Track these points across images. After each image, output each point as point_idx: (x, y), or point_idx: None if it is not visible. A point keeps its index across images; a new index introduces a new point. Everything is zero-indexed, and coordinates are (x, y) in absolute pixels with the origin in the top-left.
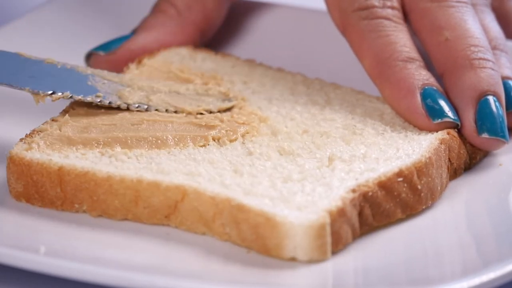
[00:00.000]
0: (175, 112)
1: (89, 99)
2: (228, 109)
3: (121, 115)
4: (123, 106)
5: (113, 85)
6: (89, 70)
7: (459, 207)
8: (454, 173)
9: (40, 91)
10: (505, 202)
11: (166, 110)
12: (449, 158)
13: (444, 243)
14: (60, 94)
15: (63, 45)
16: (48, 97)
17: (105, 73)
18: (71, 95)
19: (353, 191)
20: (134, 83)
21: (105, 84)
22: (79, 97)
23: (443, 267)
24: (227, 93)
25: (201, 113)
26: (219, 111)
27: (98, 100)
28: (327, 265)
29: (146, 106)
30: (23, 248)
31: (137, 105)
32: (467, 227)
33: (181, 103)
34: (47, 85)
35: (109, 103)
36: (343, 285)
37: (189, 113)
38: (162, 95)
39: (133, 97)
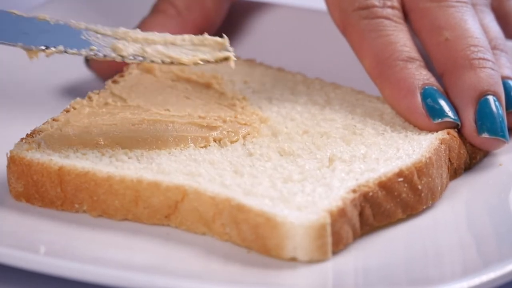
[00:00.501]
0: (171, 63)
1: (83, 52)
2: (226, 59)
3: (121, 115)
4: (118, 58)
5: (107, 39)
6: (83, 25)
7: (459, 207)
8: (454, 173)
9: (33, 46)
10: (505, 202)
11: (162, 62)
12: (449, 158)
13: (444, 243)
14: (53, 48)
15: None
16: (42, 52)
17: (98, 27)
18: (64, 49)
19: (354, 191)
20: (129, 35)
21: (99, 38)
22: (73, 51)
23: (443, 267)
24: (223, 43)
25: (199, 63)
26: (215, 61)
27: (92, 54)
28: (327, 265)
29: (141, 58)
30: (23, 248)
31: (132, 57)
32: (467, 227)
33: (177, 53)
34: (40, 41)
35: (104, 56)
36: (343, 285)
37: (185, 64)
38: (158, 46)
39: (128, 50)
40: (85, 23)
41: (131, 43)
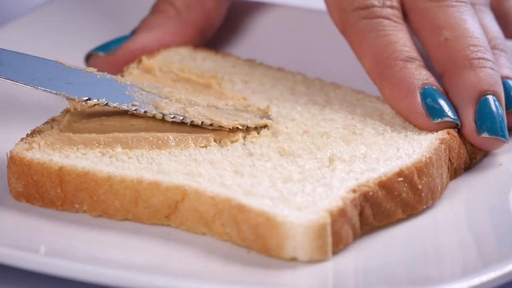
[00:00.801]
0: (211, 125)
1: (124, 107)
2: (265, 126)
3: (121, 115)
4: (159, 116)
5: (150, 96)
6: (128, 82)
7: (459, 207)
8: (454, 173)
9: (76, 97)
10: (505, 202)
11: (202, 123)
12: (449, 158)
13: (444, 243)
14: (95, 100)
15: (63, 46)
16: (83, 103)
17: (144, 85)
18: (106, 102)
19: (354, 191)
20: (172, 95)
21: (142, 95)
22: (115, 104)
23: (443, 267)
24: (266, 110)
25: (238, 128)
26: (255, 127)
27: (134, 109)
28: (327, 265)
29: (182, 117)
30: (23, 248)
31: (172, 116)
32: (467, 227)
33: (218, 116)
34: (84, 92)
35: (145, 112)
36: (343, 285)
37: (224, 127)
38: (200, 108)
39: (170, 108)
40: (131, 80)
41: (173, 102)
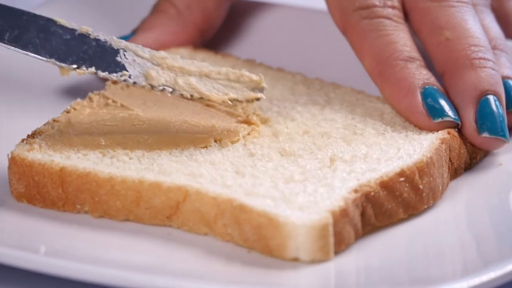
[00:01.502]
0: (201, 98)
1: (114, 77)
2: (256, 99)
3: (122, 115)
4: (147, 87)
5: (142, 63)
6: (123, 44)
7: (460, 207)
8: (455, 173)
9: (65, 65)
10: (505, 202)
11: (191, 96)
12: (449, 158)
13: (445, 243)
14: (84, 69)
15: None
16: (73, 71)
17: (138, 48)
18: (96, 71)
19: (355, 191)
20: (165, 62)
21: (134, 62)
22: (104, 74)
23: (444, 267)
24: (258, 81)
25: (228, 103)
26: (247, 101)
27: (123, 79)
28: (329, 265)
29: (171, 90)
30: (24, 248)
31: (161, 88)
32: (468, 227)
33: (209, 89)
34: (75, 56)
35: (134, 83)
36: (345, 285)
37: (214, 102)
38: (191, 79)
39: (160, 79)
40: (125, 42)
41: (165, 71)
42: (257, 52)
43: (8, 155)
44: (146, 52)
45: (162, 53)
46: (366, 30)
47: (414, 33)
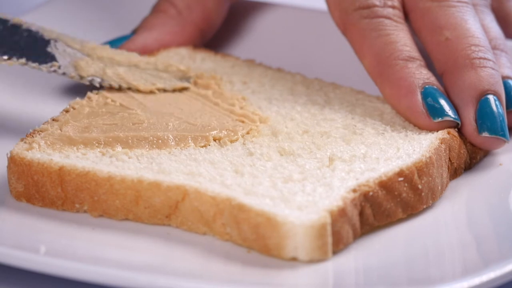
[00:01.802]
0: (129, 88)
1: (43, 68)
2: (184, 89)
3: (121, 115)
4: (77, 78)
5: (72, 53)
6: (54, 34)
7: (460, 207)
8: (455, 173)
9: None
10: (505, 202)
11: (120, 87)
12: (449, 158)
13: (445, 243)
14: (15, 59)
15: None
16: (4, 63)
17: (68, 38)
18: (26, 62)
19: (354, 191)
20: (95, 52)
21: (65, 52)
22: (34, 65)
23: (443, 266)
24: (186, 71)
25: (155, 92)
26: (172, 90)
27: (53, 70)
28: (328, 265)
29: (99, 80)
30: (24, 248)
31: (90, 78)
32: (468, 227)
33: (137, 79)
34: (6, 47)
35: (63, 74)
36: (343, 285)
37: (141, 91)
38: (120, 69)
39: (89, 69)
40: (58, 32)
41: (95, 61)
42: (257, 52)
43: (7, 154)
44: (77, 42)
45: (91, 43)
46: (366, 29)
47: (414, 33)
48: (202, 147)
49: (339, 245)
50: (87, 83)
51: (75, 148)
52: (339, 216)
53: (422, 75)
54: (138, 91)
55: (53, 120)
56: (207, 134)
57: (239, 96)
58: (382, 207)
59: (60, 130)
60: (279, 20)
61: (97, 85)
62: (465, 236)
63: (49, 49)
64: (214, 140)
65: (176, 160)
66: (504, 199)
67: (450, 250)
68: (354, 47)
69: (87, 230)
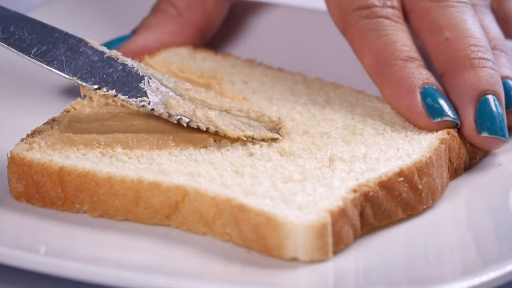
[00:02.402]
0: (216, 132)
1: (132, 102)
2: (273, 140)
3: (122, 115)
4: (165, 115)
5: (165, 92)
6: (149, 71)
7: (460, 207)
8: (454, 173)
9: (86, 84)
10: (505, 202)
11: (207, 129)
12: (449, 158)
13: (445, 243)
14: (105, 90)
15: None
16: (93, 91)
17: (164, 77)
18: (115, 94)
19: (354, 191)
20: (188, 93)
21: (157, 90)
22: (123, 98)
23: (443, 267)
24: (278, 122)
25: (243, 139)
26: (262, 140)
27: (141, 105)
28: (328, 265)
29: (187, 120)
30: (24, 248)
31: (178, 117)
32: (468, 227)
33: (226, 124)
34: (98, 78)
35: (151, 109)
36: (343, 285)
37: (229, 136)
38: (210, 112)
39: (179, 109)
40: (152, 70)
41: (186, 102)
42: (257, 52)
43: (7, 154)
44: (171, 82)
45: (186, 85)
46: (365, 29)
47: (414, 33)
48: (202, 147)
49: (339, 245)
50: (175, 121)
51: (75, 148)
52: (339, 216)
53: (421, 75)
54: (225, 135)
55: (53, 120)
56: (207, 134)
57: (240, 96)
58: (382, 207)
59: (61, 130)
60: (279, 20)
61: (184, 124)
62: (465, 236)
63: (141, 85)
64: (214, 140)
65: (176, 160)
66: (504, 199)
67: (450, 250)
68: (353, 47)
69: (87, 230)
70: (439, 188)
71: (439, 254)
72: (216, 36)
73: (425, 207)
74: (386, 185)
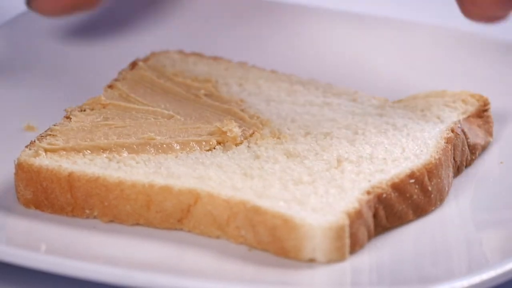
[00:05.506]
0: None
1: None
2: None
3: (123, 121)
4: None
5: None
6: None
7: (462, 206)
8: (457, 171)
9: None
10: (507, 200)
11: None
12: (453, 157)
13: (452, 241)
14: None
15: (62, 45)
16: None
17: None
18: None
19: (368, 192)
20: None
21: None
22: None
23: (450, 264)
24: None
25: None
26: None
27: None
28: (344, 265)
29: None
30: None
31: None
32: (470, 226)
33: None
34: None
35: None
36: (357, 283)
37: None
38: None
39: None
40: None
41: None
42: (256, 53)
43: (14, 161)
44: None
45: None
46: None
47: None
48: (207, 151)
49: (355, 246)
50: None
51: (81, 154)
52: (356, 217)
53: None
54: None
55: (55, 126)
56: (210, 137)
57: (237, 99)
58: (394, 209)
59: (65, 136)
60: (279, 20)
61: None
62: (469, 235)
63: None
64: (218, 143)
65: (184, 164)
66: (505, 197)
67: (457, 248)
68: None
69: (98, 236)
70: (446, 189)
71: (446, 252)
72: (215, 37)
73: (433, 208)
74: (398, 187)
